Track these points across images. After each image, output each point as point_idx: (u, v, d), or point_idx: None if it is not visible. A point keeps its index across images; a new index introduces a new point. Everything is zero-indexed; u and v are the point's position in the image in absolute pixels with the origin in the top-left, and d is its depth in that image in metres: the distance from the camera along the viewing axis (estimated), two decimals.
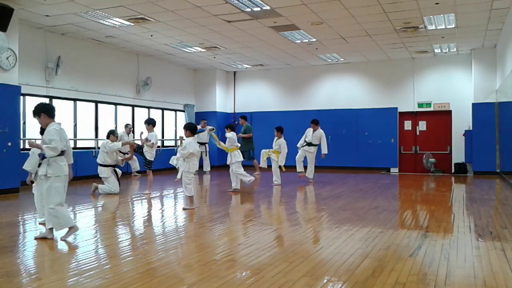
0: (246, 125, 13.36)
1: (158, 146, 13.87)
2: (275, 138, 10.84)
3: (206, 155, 14.56)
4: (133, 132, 13.82)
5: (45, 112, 5.13)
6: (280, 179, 10.68)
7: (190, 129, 7.37)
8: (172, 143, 16.12)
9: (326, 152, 11.32)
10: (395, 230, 5.49)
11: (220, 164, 16.35)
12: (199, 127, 14.03)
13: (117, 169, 9.31)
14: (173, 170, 8.00)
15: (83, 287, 3.43)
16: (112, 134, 9.30)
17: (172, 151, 14.56)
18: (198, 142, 13.34)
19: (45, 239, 5.01)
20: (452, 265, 3.94)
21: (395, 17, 10.04)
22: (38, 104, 5.22)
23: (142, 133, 9.35)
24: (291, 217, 6.81)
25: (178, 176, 7.46)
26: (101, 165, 9.08)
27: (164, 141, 15.66)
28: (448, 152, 14.69)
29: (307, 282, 3.49)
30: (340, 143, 15.56)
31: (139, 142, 9.19)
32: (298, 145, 11.44)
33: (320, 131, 11.31)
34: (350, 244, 4.77)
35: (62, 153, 5.07)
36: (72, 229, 5.13)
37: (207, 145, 14.55)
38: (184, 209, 7.21)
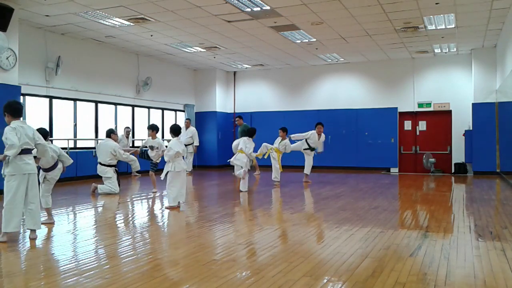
0: (244, 125, 13.31)
1: None
2: (280, 138, 10.83)
3: (186, 157, 13.94)
4: (133, 135, 13.79)
5: (8, 112, 5.02)
6: (280, 178, 10.69)
7: (173, 131, 7.47)
8: None
9: (321, 151, 11.57)
10: (395, 230, 5.49)
11: (220, 164, 16.35)
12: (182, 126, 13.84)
13: (116, 169, 9.33)
14: None
15: (83, 287, 3.44)
16: (112, 133, 9.31)
17: None
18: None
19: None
20: (452, 265, 3.94)
21: (395, 17, 10.03)
22: (5, 103, 5.09)
23: (142, 146, 9.39)
24: (291, 217, 6.81)
25: (162, 177, 7.53)
26: (104, 165, 9.07)
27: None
28: (448, 152, 14.68)
29: (307, 282, 3.49)
30: (340, 143, 15.56)
31: (142, 144, 9.25)
32: (292, 136, 11.32)
33: (323, 136, 11.41)
34: (350, 244, 4.77)
35: (24, 151, 4.94)
36: (3, 235, 4.92)
37: (189, 146, 13.86)
38: (167, 207, 7.24)
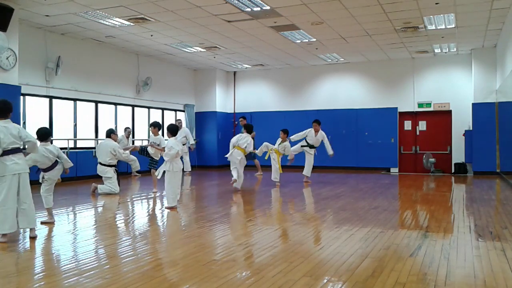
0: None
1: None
2: (280, 140, 10.83)
3: (182, 157, 13.82)
4: (133, 135, 13.74)
5: None
6: (279, 179, 10.69)
7: (171, 130, 7.45)
8: None
9: (332, 153, 11.51)
10: (395, 230, 5.49)
11: (220, 164, 16.35)
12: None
13: (116, 169, 9.32)
14: None
15: (83, 287, 3.44)
16: (112, 133, 9.32)
17: None
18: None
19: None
20: (452, 265, 3.94)
21: (395, 17, 10.03)
22: None
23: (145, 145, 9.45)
24: (291, 217, 6.81)
25: (159, 176, 7.56)
26: (104, 165, 9.07)
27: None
28: (448, 152, 14.68)
29: (307, 282, 3.49)
30: (340, 143, 15.53)
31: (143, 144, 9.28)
32: (292, 138, 11.38)
33: (321, 133, 11.45)
34: (350, 244, 4.77)
35: (12, 151, 4.85)
36: (2, 236, 4.85)
37: (184, 146, 13.66)
38: (167, 208, 7.25)
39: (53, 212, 6.31)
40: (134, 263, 4.12)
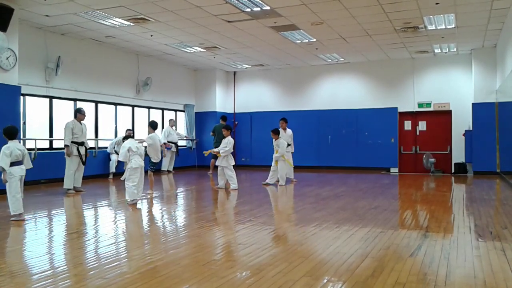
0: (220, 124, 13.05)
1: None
2: (273, 140, 10.92)
3: (165, 156, 12.52)
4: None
5: None
6: (285, 181, 10.69)
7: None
8: None
9: (292, 151, 11.67)
10: (395, 230, 5.49)
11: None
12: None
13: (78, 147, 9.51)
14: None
15: (83, 287, 3.43)
16: (79, 113, 9.54)
17: None
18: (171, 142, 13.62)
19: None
20: (452, 265, 3.94)
21: (395, 17, 10.04)
22: None
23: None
24: (291, 217, 6.81)
25: (123, 178, 7.92)
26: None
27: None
28: (448, 152, 14.68)
29: (307, 282, 3.49)
30: (340, 143, 15.56)
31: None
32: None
33: (289, 131, 11.67)
34: (350, 244, 4.77)
35: None
36: None
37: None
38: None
39: (52, 211, 6.32)
40: (134, 263, 4.12)
